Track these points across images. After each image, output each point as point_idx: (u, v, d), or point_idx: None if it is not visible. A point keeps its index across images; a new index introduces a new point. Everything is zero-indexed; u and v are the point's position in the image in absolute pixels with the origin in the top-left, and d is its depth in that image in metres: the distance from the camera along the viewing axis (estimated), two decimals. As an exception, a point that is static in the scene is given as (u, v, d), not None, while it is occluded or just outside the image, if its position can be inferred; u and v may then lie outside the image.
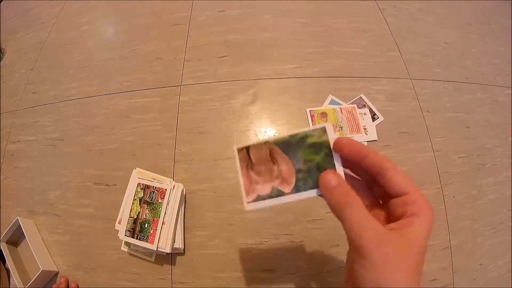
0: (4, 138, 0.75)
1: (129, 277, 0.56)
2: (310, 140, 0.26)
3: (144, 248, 0.52)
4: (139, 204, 0.55)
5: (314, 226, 0.56)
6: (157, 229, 0.52)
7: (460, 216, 0.59)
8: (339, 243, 0.55)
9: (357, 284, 0.23)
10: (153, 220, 0.53)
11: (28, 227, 0.60)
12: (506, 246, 0.58)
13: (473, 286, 0.55)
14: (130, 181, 0.59)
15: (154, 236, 0.52)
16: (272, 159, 0.27)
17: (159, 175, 0.60)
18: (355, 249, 0.23)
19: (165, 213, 0.54)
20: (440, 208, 0.59)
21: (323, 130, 0.26)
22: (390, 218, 0.25)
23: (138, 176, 0.58)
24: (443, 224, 0.58)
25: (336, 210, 0.24)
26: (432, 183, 0.61)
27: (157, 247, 0.51)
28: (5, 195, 0.69)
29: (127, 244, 0.56)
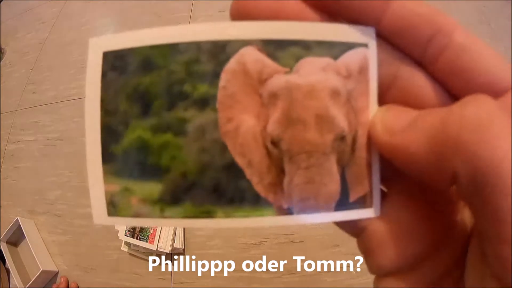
0: (4, 138, 0.75)
1: (129, 277, 0.56)
2: None
3: (144, 248, 0.52)
4: None
5: (314, 226, 0.56)
6: (157, 229, 0.52)
7: (460, 216, 0.59)
8: (339, 243, 0.55)
9: None
10: None
11: (28, 227, 0.60)
12: (506, 246, 0.58)
13: (473, 286, 0.55)
14: None
15: (154, 236, 0.52)
16: None
17: None
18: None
19: None
20: (440, 208, 0.59)
21: None
22: None
23: None
24: (443, 224, 0.58)
25: None
26: (432, 183, 0.61)
27: (157, 247, 0.51)
28: (5, 195, 0.68)
29: (127, 244, 0.56)
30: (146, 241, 0.51)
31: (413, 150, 0.09)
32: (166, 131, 0.09)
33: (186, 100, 0.09)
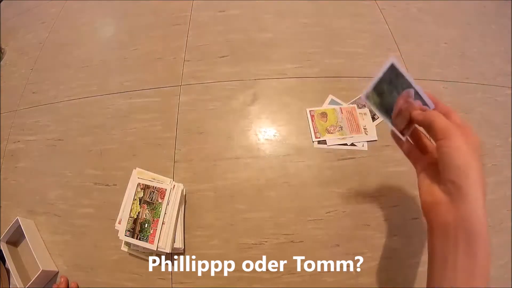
0: (4, 138, 0.75)
1: (129, 277, 0.56)
2: None
3: (144, 248, 0.52)
4: (139, 204, 0.55)
5: (314, 226, 0.56)
6: (157, 229, 0.52)
7: (460, 216, 0.59)
8: (339, 243, 0.55)
9: (444, 169, 0.30)
10: (153, 220, 0.53)
11: (28, 227, 0.60)
12: (506, 246, 0.58)
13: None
14: (130, 181, 0.59)
15: (154, 236, 0.52)
16: None
17: (159, 175, 0.60)
18: (442, 135, 0.31)
19: (165, 213, 0.54)
20: (440, 208, 0.59)
21: None
22: None
23: (138, 176, 0.58)
24: (443, 224, 0.58)
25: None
26: (432, 183, 0.61)
27: (157, 247, 0.51)
28: (5, 195, 0.69)
29: (127, 244, 0.56)
30: (146, 241, 0.51)
31: None
32: None
33: None
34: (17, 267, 0.58)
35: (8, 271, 0.59)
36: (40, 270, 0.54)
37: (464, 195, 0.28)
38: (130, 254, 0.57)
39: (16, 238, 0.62)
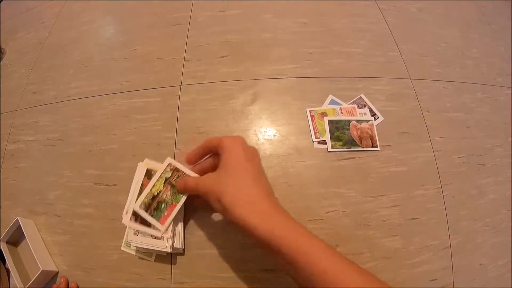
0: (4, 138, 0.75)
1: (129, 277, 0.56)
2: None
3: (151, 227, 0.50)
4: (164, 183, 0.52)
5: (314, 226, 0.56)
6: (172, 214, 0.51)
7: (460, 216, 0.59)
8: (339, 243, 0.55)
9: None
10: (171, 204, 0.51)
11: (28, 227, 0.60)
12: (506, 246, 0.58)
13: (473, 286, 0.55)
14: (138, 171, 0.56)
15: (167, 219, 0.50)
16: None
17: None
18: (206, 195, 0.42)
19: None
20: (440, 208, 0.59)
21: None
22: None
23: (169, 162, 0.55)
24: (443, 224, 0.58)
25: (193, 191, 0.48)
26: (432, 183, 0.61)
27: (165, 230, 0.50)
28: (5, 195, 0.69)
29: (127, 244, 0.56)
30: (158, 221, 0.50)
31: None
32: None
33: None
34: (17, 267, 0.58)
35: (8, 271, 0.59)
36: (40, 270, 0.54)
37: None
38: (130, 254, 0.57)
39: (16, 238, 0.62)
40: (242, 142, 0.42)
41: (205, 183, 0.42)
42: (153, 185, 0.52)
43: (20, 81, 0.83)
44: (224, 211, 0.37)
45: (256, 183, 0.37)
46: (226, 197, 0.36)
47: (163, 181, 0.53)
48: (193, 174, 0.50)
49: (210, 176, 0.42)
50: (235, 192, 0.36)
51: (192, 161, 0.50)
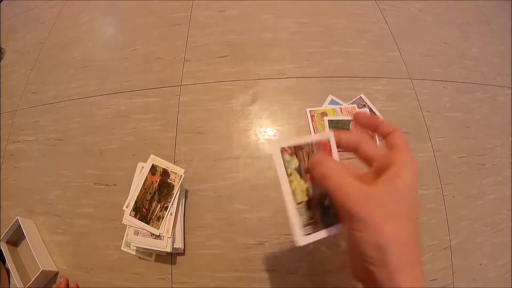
0: (4, 138, 0.75)
1: (129, 277, 0.56)
2: None
3: (149, 230, 0.51)
4: (299, 177, 0.30)
5: (314, 226, 0.56)
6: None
7: (460, 216, 0.59)
8: (339, 243, 0.55)
9: (360, 253, 0.22)
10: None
11: (28, 227, 0.60)
12: (506, 246, 0.58)
13: (473, 286, 0.55)
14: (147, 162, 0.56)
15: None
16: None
17: (170, 164, 0.57)
18: (347, 217, 0.23)
19: (171, 204, 0.53)
20: (440, 208, 0.59)
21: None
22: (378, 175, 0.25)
23: (153, 162, 0.56)
24: (443, 224, 0.58)
25: (322, 183, 0.26)
26: (432, 183, 0.61)
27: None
28: (5, 195, 0.69)
29: (127, 244, 0.56)
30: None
31: None
32: None
33: None
34: (17, 267, 0.57)
35: (8, 271, 0.59)
36: (40, 270, 0.54)
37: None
38: (129, 254, 0.57)
39: (16, 238, 0.62)
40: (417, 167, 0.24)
41: (355, 194, 0.22)
42: (292, 192, 0.28)
43: (20, 81, 0.83)
44: (379, 263, 0.21)
45: (418, 233, 0.23)
46: (393, 246, 0.21)
47: (297, 175, 0.29)
48: (335, 155, 0.31)
49: (368, 190, 0.23)
50: (403, 246, 0.21)
51: (361, 124, 0.31)
